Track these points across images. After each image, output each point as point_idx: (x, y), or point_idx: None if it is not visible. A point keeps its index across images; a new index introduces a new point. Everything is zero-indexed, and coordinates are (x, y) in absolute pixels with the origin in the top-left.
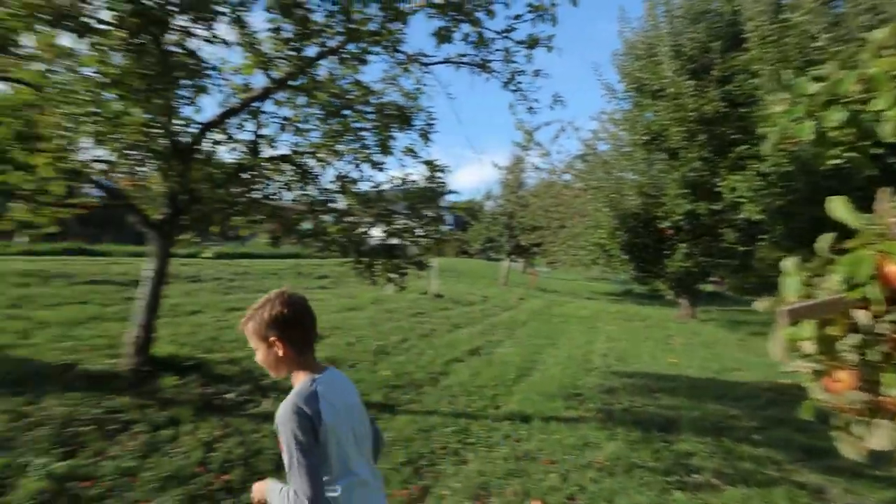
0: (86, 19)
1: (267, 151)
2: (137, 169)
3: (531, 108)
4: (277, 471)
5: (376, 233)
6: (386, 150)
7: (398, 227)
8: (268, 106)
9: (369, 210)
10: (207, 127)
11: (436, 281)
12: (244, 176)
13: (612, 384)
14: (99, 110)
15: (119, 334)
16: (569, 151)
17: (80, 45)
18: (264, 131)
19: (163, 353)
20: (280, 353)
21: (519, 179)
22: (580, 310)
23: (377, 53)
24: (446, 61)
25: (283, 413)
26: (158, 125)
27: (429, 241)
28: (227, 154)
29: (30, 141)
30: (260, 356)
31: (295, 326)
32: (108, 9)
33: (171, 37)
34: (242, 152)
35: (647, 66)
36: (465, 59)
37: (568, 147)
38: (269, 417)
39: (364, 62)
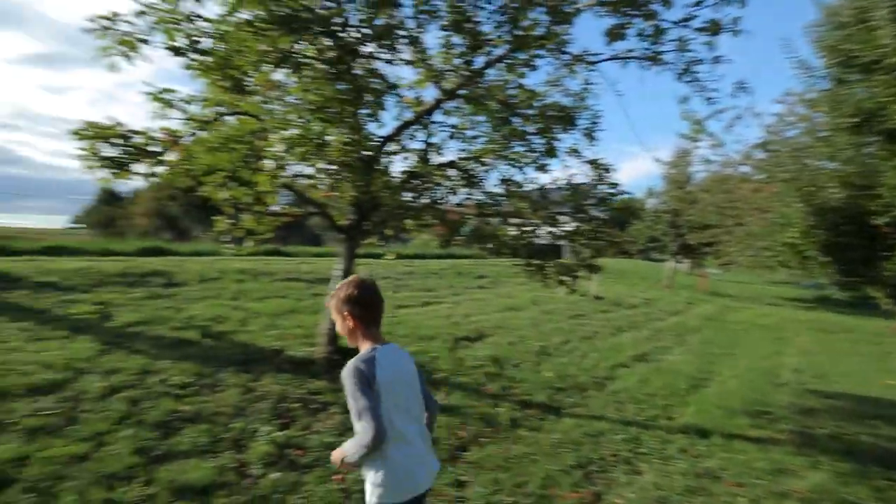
0: (298, 57)
1: (435, 159)
2: (331, 181)
3: (710, 98)
4: (451, 460)
5: (546, 234)
6: (551, 152)
7: (568, 229)
8: (436, 115)
9: (537, 212)
10: (386, 140)
11: (596, 282)
12: (415, 182)
13: (810, 404)
14: (307, 134)
15: (312, 325)
16: (747, 140)
17: (287, 78)
18: (433, 139)
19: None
20: (350, 325)
21: (685, 174)
22: (762, 317)
23: (543, 57)
24: (613, 58)
25: (347, 371)
26: (355, 144)
27: (599, 243)
28: (399, 162)
29: (253, 162)
30: (338, 326)
31: (363, 306)
32: (311, 44)
33: (361, 62)
34: (414, 161)
35: (856, 35)
36: (633, 54)
37: (746, 136)
38: (443, 409)
39: (533, 67)
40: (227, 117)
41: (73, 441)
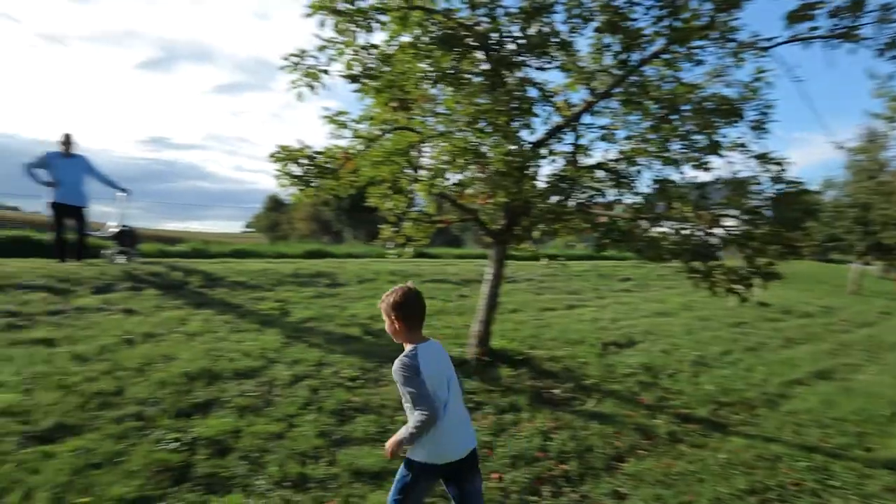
0: (456, 73)
1: (585, 161)
2: (486, 189)
3: None
4: (608, 470)
5: (708, 236)
6: (714, 148)
7: (735, 231)
8: (585, 117)
9: (699, 214)
10: (536, 145)
11: (760, 287)
12: (563, 186)
13: None
14: (464, 145)
15: (460, 326)
16: None
17: (444, 93)
18: (582, 141)
19: (497, 347)
20: (396, 326)
21: (878, 161)
22: None
23: (705, 48)
24: (793, 40)
25: (397, 366)
26: (511, 153)
27: (777, 248)
28: (547, 166)
29: (411, 173)
30: (387, 327)
31: (406, 311)
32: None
33: (514, 72)
34: (561, 164)
35: None
36: (817, 33)
37: None
38: (595, 416)
39: (699, 62)
40: (388, 133)
41: (271, 420)
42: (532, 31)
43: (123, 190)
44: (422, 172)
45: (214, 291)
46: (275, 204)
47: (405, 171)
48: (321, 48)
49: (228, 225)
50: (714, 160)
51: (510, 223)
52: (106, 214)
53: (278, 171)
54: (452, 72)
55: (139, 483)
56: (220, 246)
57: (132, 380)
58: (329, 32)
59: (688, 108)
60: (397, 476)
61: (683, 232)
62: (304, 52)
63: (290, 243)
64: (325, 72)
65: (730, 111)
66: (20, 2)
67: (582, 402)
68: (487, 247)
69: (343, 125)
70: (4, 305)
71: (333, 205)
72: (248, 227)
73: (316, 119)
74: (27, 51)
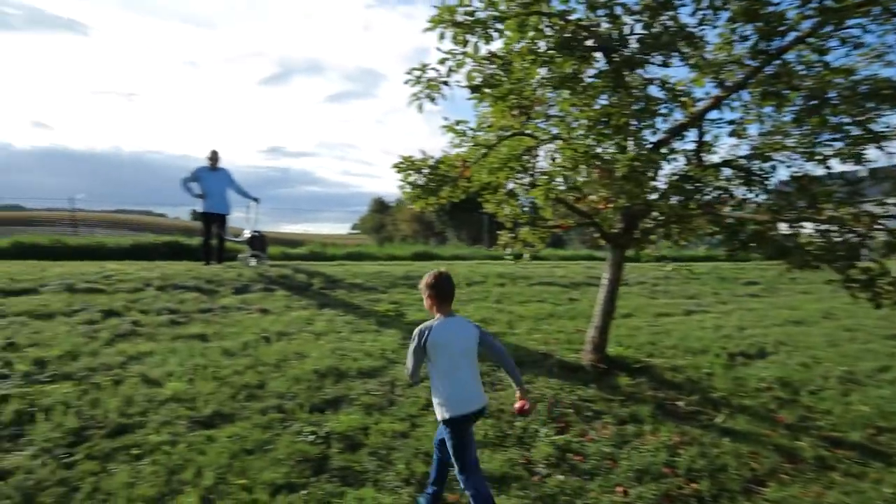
0: (576, 76)
1: (710, 158)
2: (606, 192)
3: None
4: (745, 493)
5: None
6: (873, 137)
7: None
8: (712, 113)
9: (856, 216)
10: (658, 145)
11: None
12: (687, 186)
13: None
14: (584, 149)
15: (571, 331)
16: None
17: (562, 96)
18: (707, 138)
19: (614, 354)
20: (429, 303)
21: None
22: None
23: (864, 27)
24: None
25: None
26: (639, 157)
27: None
28: (667, 166)
29: (527, 179)
30: (425, 303)
31: (436, 290)
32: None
33: (637, 72)
34: (683, 163)
35: None
36: None
37: None
38: (726, 433)
39: (858, 44)
40: (504, 139)
41: (396, 419)
42: (657, 27)
43: (255, 199)
44: (538, 177)
45: (335, 293)
46: (379, 206)
47: (518, 175)
48: (442, 60)
49: (336, 227)
50: (870, 151)
51: (629, 226)
52: (240, 221)
53: (401, 181)
54: (573, 76)
55: (285, 471)
56: (335, 248)
57: (271, 374)
58: (448, 44)
59: (837, 95)
60: (447, 442)
61: (832, 234)
62: (425, 65)
63: (400, 245)
64: (446, 83)
65: (891, 95)
66: (164, 33)
67: (710, 417)
68: (603, 250)
69: (462, 134)
70: (167, 303)
71: (436, 207)
72: (353, 228)
73: (418, 123)
74: (170, 75)
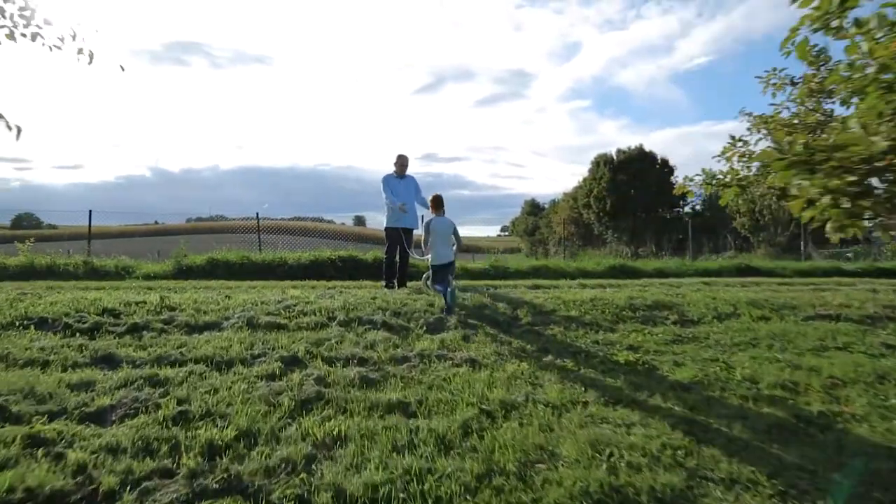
0: None
1: None
2: None
3: None
4: None
5: None
6: None
7: None
8: None
9: None
10: None
11: None
12: None
13: None
14: None
15: None
16: None
17: None
18: None
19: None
20: (431, 208)
21: None
22: None
23: None
24: None
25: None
26: None
27: None
28: None
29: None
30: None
31: (434, 203)
32: None
33: None
34: None
35: None
36: None
37: None
38: None
39: None
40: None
41: None
42: None
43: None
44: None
45: (550, 330)
46: (532, 208)
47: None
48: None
49: (486, 230)
50: None
51: None
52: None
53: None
54: None
55: None
56: (516, 263)
57: (518, 494)
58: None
59: None
60: (427, 274)
61: None
62: (776, 69)
63: (590, 254)
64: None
65: None
66: (329, 56)
67: None
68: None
69: None
70: (354, 348)
71: (596, 207)
72: (503, 230)
73: (565, 121)
74: (330, 91)
